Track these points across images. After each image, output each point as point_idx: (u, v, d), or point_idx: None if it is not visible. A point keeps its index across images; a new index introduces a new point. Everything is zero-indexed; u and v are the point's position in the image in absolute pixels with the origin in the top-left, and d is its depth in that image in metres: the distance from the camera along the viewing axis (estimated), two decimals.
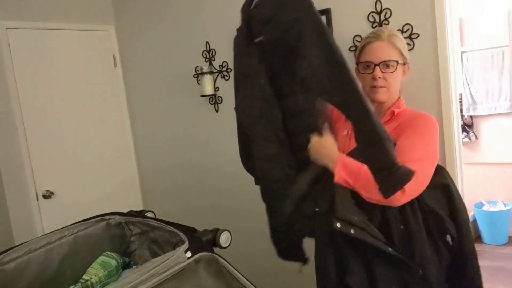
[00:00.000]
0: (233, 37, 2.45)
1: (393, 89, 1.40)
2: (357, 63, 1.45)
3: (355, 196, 1.25)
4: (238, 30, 1.46)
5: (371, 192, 1.22)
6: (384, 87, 1.38)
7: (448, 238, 1.30)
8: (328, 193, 1.25)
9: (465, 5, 3.66)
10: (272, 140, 1.38)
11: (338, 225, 1.16)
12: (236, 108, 1.52)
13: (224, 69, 2.55)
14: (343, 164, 1.28)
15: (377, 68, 1.36)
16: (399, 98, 1.45)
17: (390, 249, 1.17)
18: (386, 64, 1.37)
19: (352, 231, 1.16)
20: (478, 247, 3.75)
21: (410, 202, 1.25)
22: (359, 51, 1.44)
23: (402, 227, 1.23)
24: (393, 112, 1.40)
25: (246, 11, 1.39)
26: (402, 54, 1.40)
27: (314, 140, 1.31)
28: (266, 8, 1.34)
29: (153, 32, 2.87)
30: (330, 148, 1.32)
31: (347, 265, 1.22)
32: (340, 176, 1.26)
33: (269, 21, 1.32)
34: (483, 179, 3.63)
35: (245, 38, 1.41)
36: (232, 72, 2.53)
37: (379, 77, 1.36)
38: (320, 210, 1.26)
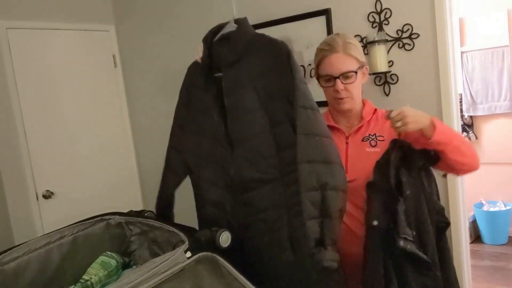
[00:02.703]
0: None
1: (356, 96, 1.43)
2: (318, 77, 1.46)
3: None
4: (196, 61, 1.45)
5: (464, 153, 1.27)
6: (348, 97, 1.40)
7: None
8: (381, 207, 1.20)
9: (465, 5, 3.65)
10: (219, 185, 1.36)
11: (402, 243, 1.13)
12: (176, 145, 1.52)
13: None
14: (439, 122, 1.28)
15: (338, 80, 1.38)
16: (365, 102, 1.49)
17: (422, 254, 1.15)
18: (345, 76, 1.38)
19: (408, 246, 1.14)
20: (478, 247, 3.78)
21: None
22: (317, 64, 1.44)
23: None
24: (375, 109, 1.46)
25: (209, 42, 1.37)
26: (358, 61, 1.41)
27: (405, 108, 1.25)
28: (234, 46, 1.32)
29: (153, 32, 2.87)
30: (419, 111, 1.28)
31: (389, 277, 1.17)
32: (441, 132, 1.24)
33: (238, 61, 1.31)
34: (483, 179, 3.63)
35: (204, 71, 1.40)
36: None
37: (342, 89, 1.38)
38: (379, 225, 1.18)
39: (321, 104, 2.23)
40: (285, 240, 1.21)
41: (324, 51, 1.40)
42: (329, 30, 2.03)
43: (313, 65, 1.51)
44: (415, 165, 1.24)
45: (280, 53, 1.26)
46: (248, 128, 1.28)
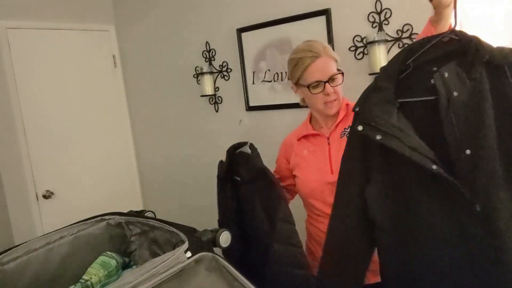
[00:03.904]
0: (233, 37, 2.46)
1: (341, 97, 1.45)
2: (307, 86, 1.42)
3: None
4: (220, 162, 1.57)
5: None
6: (336, 99, 1.42)
7: None
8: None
9: (465, 5, 3.65)
10: None
11: (360, 127, 0.99)
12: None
13: (224, 69, 2.55)
14: None
15: (327, 84, 1.39)
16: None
17: (434, 166, 0.90)
18: (332, 78, 1.40)
19: (378, 137, 0.96)
20: None
21: None
22: (301, 72, 1.42)
23: None
24: (347, 104, 1.47)
25: (231, 153, 1.53)
26: (337, 62, 1.44)
27: None
28: (246, 169, 1.47)
29: (153, 32, 2.87)
30: None
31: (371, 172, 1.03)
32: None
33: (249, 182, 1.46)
34: None
35: (223, 174, 1.53)
36: (232, 73, 2.53)
37: (332, 92, 1.40)
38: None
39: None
40: None
41: (307, 59, 1.39)
42: (329, 30, 2.03)
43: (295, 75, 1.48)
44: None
45: None
46: None
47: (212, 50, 2.58)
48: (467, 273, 0.90)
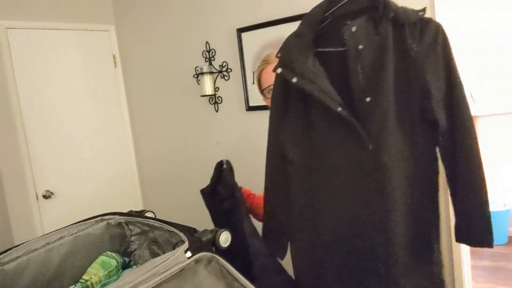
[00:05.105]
0: (233, 37, 2.46)
1: None
2: (261, 91, 1.53)
3: None
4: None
5: None
6: None
7: None
8: None
9: (465, 5, 3.66)
10: None
11: (279, 70, 1.10)
12: None
13: (224, 69, 2.55)
14: None
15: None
16: None
17: (339, 108, 1.03)
18: None
19: (294, 79, 1.06)
20: None
21: None
22: (258, 80, 1.51)
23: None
24: None
25: (218, 171, 1.54)
26: None
27: None
28: (222, 186, 1.47)
29: (153, 32, 2.87)
30: None
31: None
32: None
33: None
34: None
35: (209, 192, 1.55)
36: (232, 73, 2.53)
37: None
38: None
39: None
40: None
41: (261, 67, 1.49)
42: None
43: None
44: None
45: None
46: None
47: (212, 50, 2.58)
48: (356, 199, 1.08)
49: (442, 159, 1.10)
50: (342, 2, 1.09)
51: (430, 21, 1.03)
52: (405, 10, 1.03)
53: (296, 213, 1.20)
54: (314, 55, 1.08)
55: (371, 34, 1.04)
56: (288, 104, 1.16)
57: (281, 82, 1.15)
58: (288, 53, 1.11)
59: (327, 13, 1.10)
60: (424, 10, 1.04)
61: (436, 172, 1.09)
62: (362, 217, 1.08)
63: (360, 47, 1.03)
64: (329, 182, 1.12)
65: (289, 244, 1.28)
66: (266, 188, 1.29)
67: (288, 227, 1.24)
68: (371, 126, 1.04)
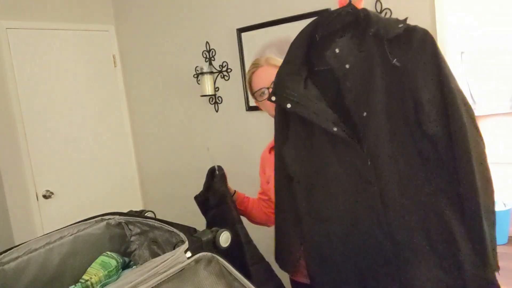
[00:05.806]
0: (233, 37, 2.46)
1: None
2: (253, 94, 1.54)
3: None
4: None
5: None
6: None
7: None
8: None
9: (465, 5, 3.65)
10: None
11: (273, 98, 1.14)
12: None
13: (224, 69, 2.55)
14: None
15: (270, 90, 1.42)
16: None
17: (334, 129, 1.06)
18: None
19: (288, 105, 1.10)
20: None
21: None
22: (249, 84, 1.53)
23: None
24: None
25: (209, 182, 1.56)
26: None
27: None
28: (214, 197, 1.49)
29: (153, 32, 2.87)
30: None
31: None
32: None
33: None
34: None
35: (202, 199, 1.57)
36: (232, 73, 2.53)
37: None
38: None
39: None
40: None
41: (251, 71, 1.51)
42: None
43: None
44: None
45: None
46: None
47: (212, 50, 2.58)
48: (363, 210, 1.08)
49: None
50: (327, 23, 1.11)
51: (416, 29, 1.01)
52: (386, 24, 1.02)
53: (305, 231, 1.21)
54: (307, 77, 1.12)
55: (354, 52, 1.06)
56: (289, 126, 1.19)
57: (279, 107, 1.19)
58: (280, 81, 1.15)
59: (316, 34, 1.13)
60: (404, 21, 1.02)
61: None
62: (370, 230, 1.08)
63: (347, 66, 1.06)
64: (333, 198, 1.13)
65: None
66: (276, 206, 1.31)
67: (298, 242, 1.25)
68: (369, 141, 1.05)
